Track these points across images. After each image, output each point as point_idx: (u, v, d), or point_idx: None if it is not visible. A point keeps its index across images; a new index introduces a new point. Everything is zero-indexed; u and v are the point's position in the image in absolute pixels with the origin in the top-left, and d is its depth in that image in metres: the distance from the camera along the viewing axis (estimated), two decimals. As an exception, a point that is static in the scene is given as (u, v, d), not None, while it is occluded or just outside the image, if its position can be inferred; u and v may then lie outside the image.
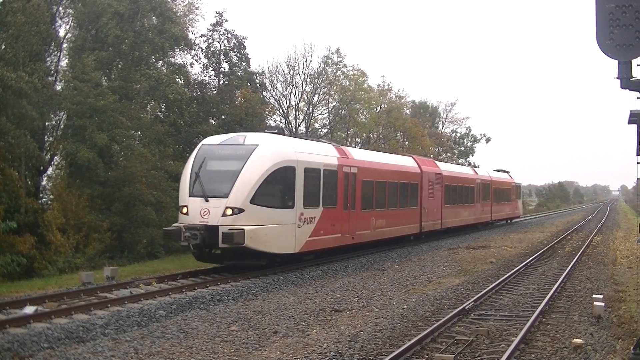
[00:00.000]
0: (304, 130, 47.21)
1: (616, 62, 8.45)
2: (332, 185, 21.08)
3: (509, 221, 51.97)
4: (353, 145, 51.70)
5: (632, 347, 9.74)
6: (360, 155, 25.12)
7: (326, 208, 20.45)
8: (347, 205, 22.01)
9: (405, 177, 28.24)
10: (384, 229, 25.55)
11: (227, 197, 17.15)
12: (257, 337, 11.51)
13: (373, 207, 24.40)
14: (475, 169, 44.43)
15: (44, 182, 31.81)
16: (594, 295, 14.59)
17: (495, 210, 44.82)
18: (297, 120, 47.63)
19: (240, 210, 17.09)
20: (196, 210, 17.33)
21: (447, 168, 36.20)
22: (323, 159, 20.64)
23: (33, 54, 28.69)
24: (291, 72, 46.56)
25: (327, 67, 47.51)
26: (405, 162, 29.90)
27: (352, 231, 22.52)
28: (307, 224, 19.34)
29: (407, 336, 11.47)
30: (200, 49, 39.90)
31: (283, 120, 47.20)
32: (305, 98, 47.44)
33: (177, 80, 36.06)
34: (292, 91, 47.02)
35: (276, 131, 20.67)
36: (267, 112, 43.40)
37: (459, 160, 72.36)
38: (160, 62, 36.81)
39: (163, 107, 35.96)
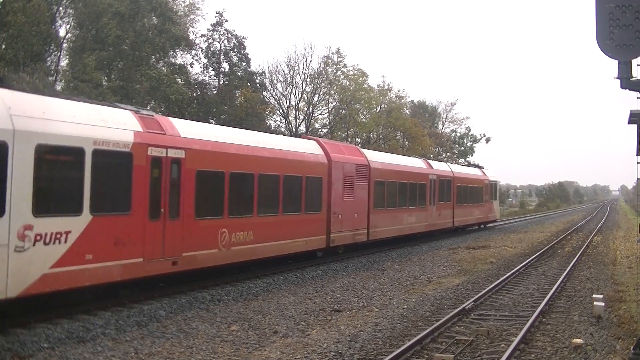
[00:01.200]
0: (304, 130, 47.25)
1: (616, 62, 8.47)
2: (121, 176, 13.24)
3: (481, 226, 43.90)
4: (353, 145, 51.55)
5: (632, 347, 9.75)
6: (195, 131, 15.80)
7: (102, 216, 12.45)
8: (158, 212, 13.91)
9: (298, 169, 19.77)
10: (249, 247, 17.12)
11: None
12: (257, 337, 11.51)
13: (224, 213, 16.21)
14: (430, 162, 34.64)
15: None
16: (594, 295, 14.59)
17: (460, 214, 36.49)
18: (297, 120, 47.71)
19: None
20: None
21: (379, 158, 27.03)
22: (94, 131, 12.43)
23: (33, 54, 28.76)
24: (291, 72, 46.67)
25: (327, 67, 47.60)
26: (300, 147, 20.92)
27: (174, 252, 14.34)
28: (47, 244, 11.24)
29: (407, 336, 11.47)
30: (200, 49, 40.00)
31: (283, 120, 47.29)
32: (306, 98, 47.51)
33: (177, 80, 36.11)
34: (292, 91, 47.12)
35: None
36: (267, 112, 43.45)
37: (459, 160, 72.31)
38: (161, 62, 36.87)
39: (163, 107, 36.01)
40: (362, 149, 27.27)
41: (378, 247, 26.77)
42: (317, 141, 22.82)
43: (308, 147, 21.39)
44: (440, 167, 35.54)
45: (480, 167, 45.25)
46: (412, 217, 29.53)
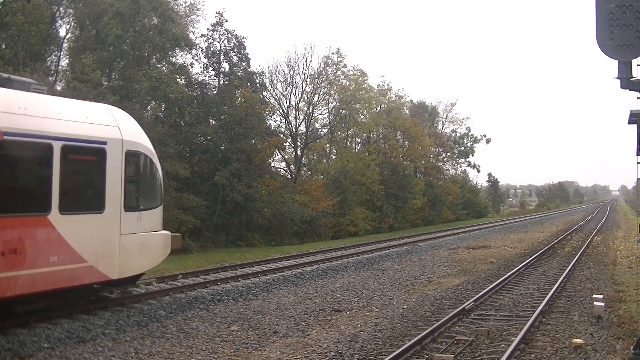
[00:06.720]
0: (304, 130, 47.27)
1: (616, 62, 8.46)
2: None
3: None
4: (353, 145, 51.49)
5: (632, 347, 9.74)
6: None
7: None
8: None
9: None
10: None
11: None
12: (257, 337, 11.51)
13: None
14: None
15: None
16: (594, 295, 14.59)
17: None
18: (297, 120, 47.69)
19: None
20: None
21: None
22: None
23: (33, 54, 28.73)
24: (291, 72, 46.62)
25: (327, 67, 47.56)
26: None
27: None
28: None
29: (407, 336, 11.47)
30: (200, 49, 39.94)
31: (283, 120, 47.28)
32: (306, 98, 47.48)
33: (177, 80, 36.05)
34: (292, 91, 47.08)
35: None
36: (267, 112, 43.42)
37: (459, 161, 72.17)
38: (163, 62, 36.81)
39: (164, 107, 35.96)
40: None
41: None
42: None
43: None
44: None
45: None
46: None
